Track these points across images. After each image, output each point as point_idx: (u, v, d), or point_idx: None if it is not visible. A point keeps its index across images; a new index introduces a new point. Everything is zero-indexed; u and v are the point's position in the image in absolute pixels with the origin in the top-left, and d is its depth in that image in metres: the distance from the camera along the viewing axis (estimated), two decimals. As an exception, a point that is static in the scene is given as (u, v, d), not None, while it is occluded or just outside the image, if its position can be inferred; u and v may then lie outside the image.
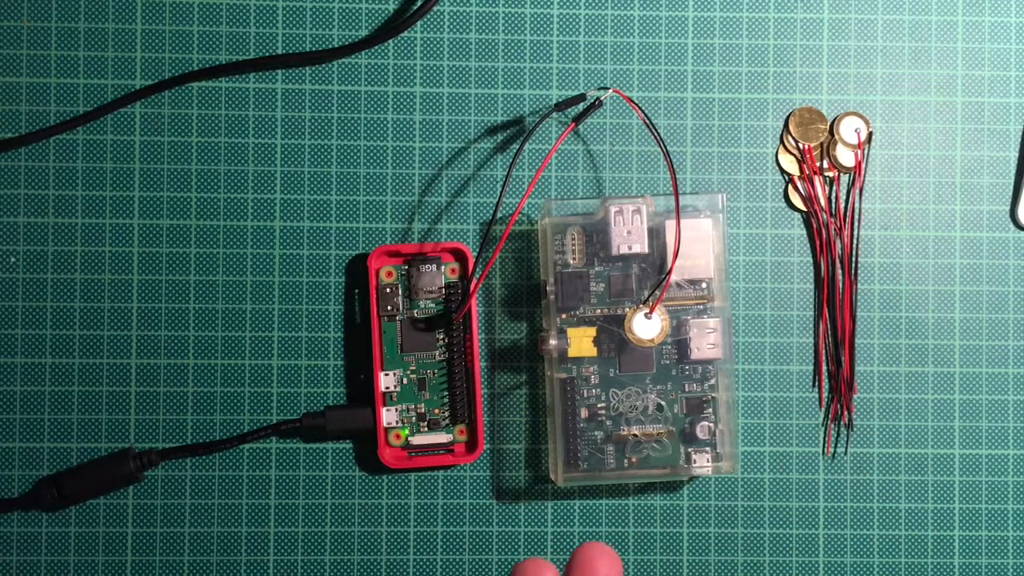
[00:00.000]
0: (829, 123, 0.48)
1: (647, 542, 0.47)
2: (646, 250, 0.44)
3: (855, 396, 0.47)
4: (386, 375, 0.46)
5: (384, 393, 0.46)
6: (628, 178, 0.48)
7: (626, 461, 0.45)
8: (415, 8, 0.47)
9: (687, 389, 0.45)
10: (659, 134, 0.46)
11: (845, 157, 0.47)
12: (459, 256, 0.46)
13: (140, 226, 0.47)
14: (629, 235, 0.44)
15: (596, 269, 0.45)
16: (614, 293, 0.45)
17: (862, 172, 0.47)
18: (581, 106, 0.46)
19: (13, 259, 0.46)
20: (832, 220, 0.47)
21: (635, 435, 0.45)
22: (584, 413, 0.45)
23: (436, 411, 0.46)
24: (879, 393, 0.47)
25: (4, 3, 0.47)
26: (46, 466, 0.46)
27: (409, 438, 0.46)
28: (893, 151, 0.48)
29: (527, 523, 0.47)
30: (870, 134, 0.48)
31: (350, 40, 0.47)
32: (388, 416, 0.46)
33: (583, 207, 0.45)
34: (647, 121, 0.45)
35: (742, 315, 0.47)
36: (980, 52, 0.48)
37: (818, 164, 0.47)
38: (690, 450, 0.45)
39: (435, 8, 0.47)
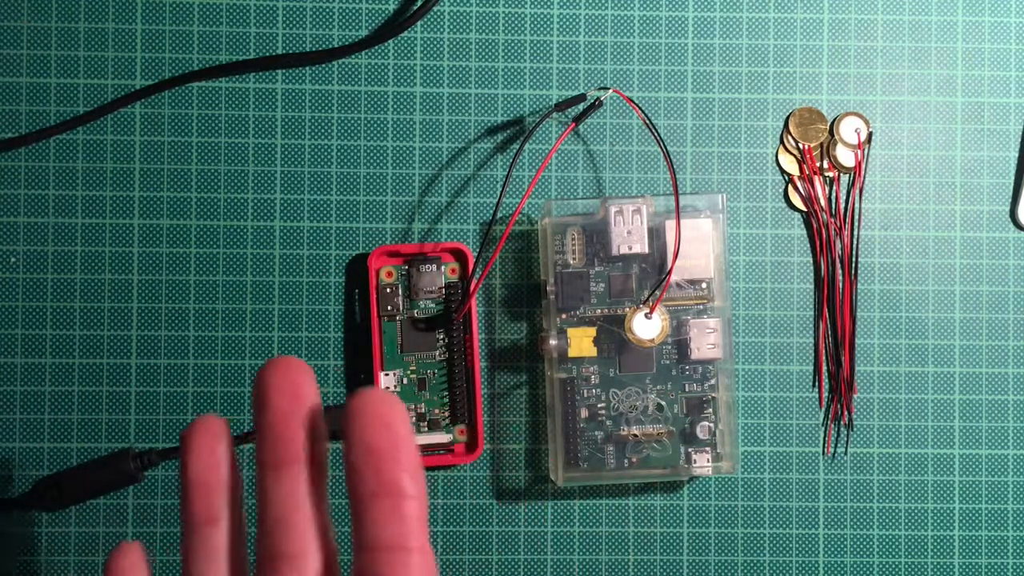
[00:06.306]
0: (829, 123, 0.48)
1: (647, 542, 0.47)
2: (646, 250, 0.44)
3: (855, 396, 0.47)
4: (386, 375, 0.46)
5: (384, 393, 0.46)
6: (628, 178, 0.48)
7: (626, 461, 0.45)
8: (415, 8, 0.47)
9: (687, 389, 0.45)
10: (659, 134, 0.46)
11: (845, 157, 0.47)
12: (459, 256, 0.46)
13: (140, 226, 0.47)
14: (629, 235, 0.44)
15: (596, 269, 0.45)
16: (614, 293, 0.45)
17: (862, 172, 0.47)
18: (581, 106, 0.46)
19: (13, 259, 0.46)
20: (832, 220, 0.47)
21: (635, 435, 0.45)
22: (584, 413, 0.45)
23: (436, 411, 0.46)
24: (879, 393, 0.47)
25: (4, 3, 0.47)
26: (46, 466, 0.46)
27: (409, 438, 0.46)
28: (893, 151, 0.48)
29: (527, 523, 0.47)
30: (870, 134, 0.48)
31: (350, 40, 0.47)
32: (388, 416, 0.46)
33: (583, 207, 0.45)
34: (647, 121, 0.45)
35: (742, 315, 0.47)
36: (980, 52, 0.48)
37: (818, 164, 0.47)
38: (690, 450, 0.45)
39: (435, 8, 0.47)
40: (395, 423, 0.25)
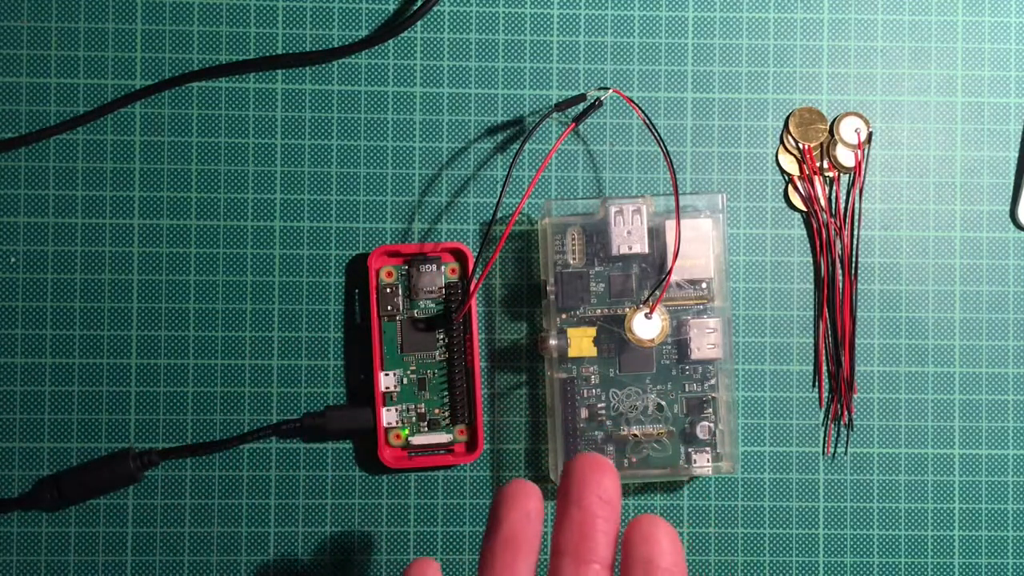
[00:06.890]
0: (829, 123, 0.48)
1: (647, 542, 0.47)
2: (646, 250, 0.44)
3: (855, 396, 0.47)
4: (386, 375, 0.46)
5: (384, 393, 0.46)
6: (628, 178, 0.48)
7: (626, 461, 0.45)
8: (415, 8, 0.47)
9: (687, 389, 0.45)
10: (659, 134, 0.46)
11: (845, 157, 0.47)
12: (459, 256, 0.46)
13: (140, 226, 0.47)
14: (629, 235, 0.44)
15: (596, 269, 0.45)
16: (614, 293, 0.45)
17: (862, 172, 0.47)
18: (581, 106, 0.46)
19: (13, 259, 0.46)
20: (832, 220, 0.47)
21: (635, 435, 0.45)
22: (584, 413, 0.45)
23: (436, 411, 0.46)
24: (879, 393, 0.47)
25: (4, 3, 0.47)
26: (46, 466, 0.46)
27: (409, 438, 0.46)
28: (893, 151, 0.48)
29: (527, 523, 0.47)
30: (870, 134, 0.48)
31: (350, 40, 0.47)
32: (388, 416, 0.46)
33: (583, 207, 0.45)
34: (647, 121, 0.45)
35: (742, 315, 0.47)
36: (980, 52, 0.48)
37: (818, 164, 0.47)
38: (690, 450, 0.45)
39: (435, 8, 0.47)
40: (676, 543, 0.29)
